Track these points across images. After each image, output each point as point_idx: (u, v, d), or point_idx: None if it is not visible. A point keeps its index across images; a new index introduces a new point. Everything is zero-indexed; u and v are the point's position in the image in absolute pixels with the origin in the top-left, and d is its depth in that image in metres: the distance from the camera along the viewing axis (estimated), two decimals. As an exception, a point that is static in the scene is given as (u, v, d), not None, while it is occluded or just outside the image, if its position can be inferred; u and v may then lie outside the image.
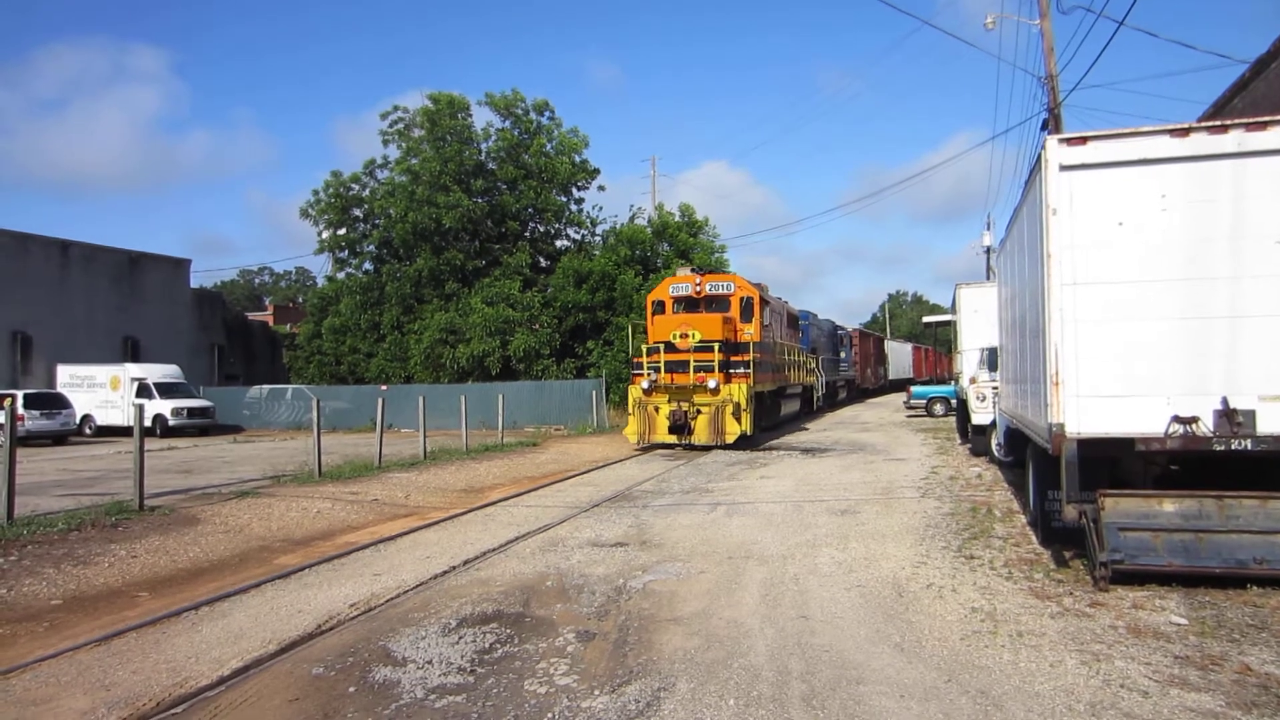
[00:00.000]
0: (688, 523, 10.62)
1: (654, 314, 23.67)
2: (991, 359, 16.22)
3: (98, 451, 25.49)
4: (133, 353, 39.55)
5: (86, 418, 33.12)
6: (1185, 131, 7.29)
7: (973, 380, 17.60)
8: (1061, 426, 7.26)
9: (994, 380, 15.71)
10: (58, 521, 10.71)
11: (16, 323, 36.30)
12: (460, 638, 6.11)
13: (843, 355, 42.92)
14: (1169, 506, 7.13)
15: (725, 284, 23.45)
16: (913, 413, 33.81)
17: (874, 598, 6.95)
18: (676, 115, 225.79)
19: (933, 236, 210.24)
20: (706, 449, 20.61)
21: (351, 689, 5.21)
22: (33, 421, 28.11)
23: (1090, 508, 7.20)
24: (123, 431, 31.12)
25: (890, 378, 60.22)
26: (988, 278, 34.58)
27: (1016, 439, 11.71)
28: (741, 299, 23.04)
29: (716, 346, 20.59)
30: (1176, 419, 7.10)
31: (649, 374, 20.94)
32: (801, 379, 29.20)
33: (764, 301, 23.93)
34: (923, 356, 70.62)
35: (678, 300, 23.21)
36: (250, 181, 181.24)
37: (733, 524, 10.48)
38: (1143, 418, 7.23)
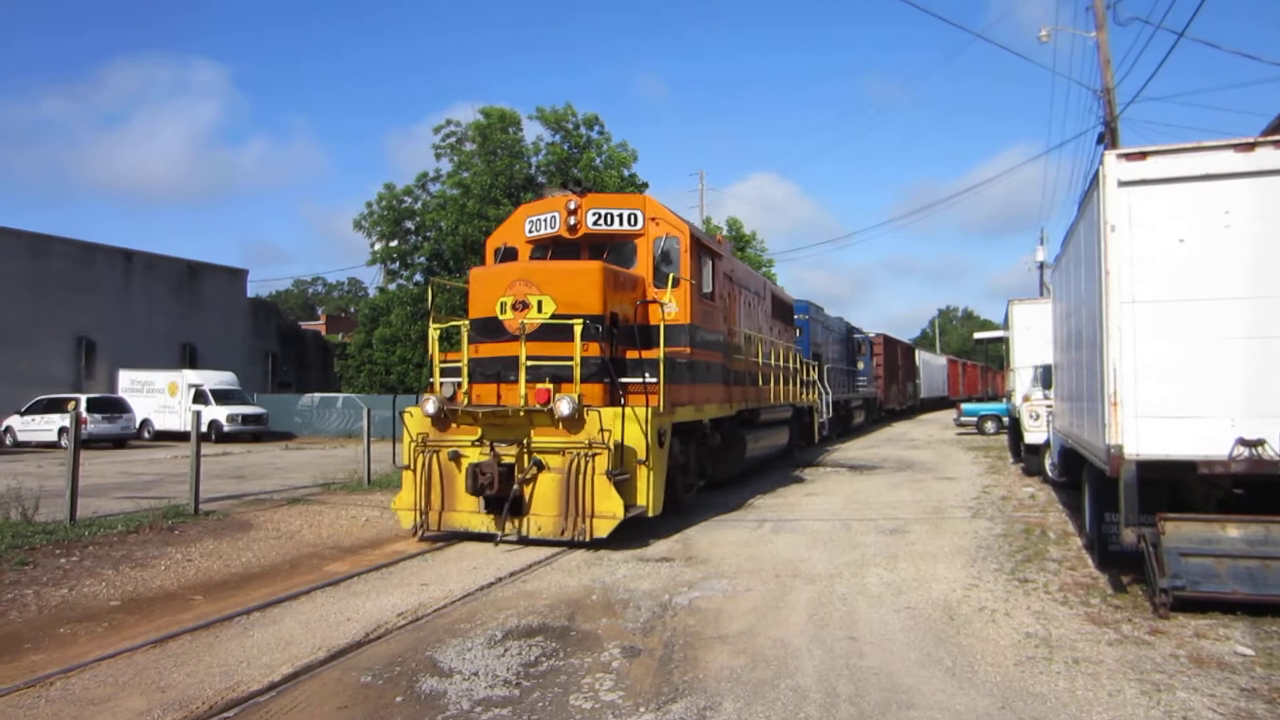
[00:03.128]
0: (733, 539, 10.55)
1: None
2: (1045, 377, 15.90)
3: (156, 455, 26.15)
4: (190, 359, 40.64)
5: (145, 422, 34.05)
6: (1250, 146, 7.10)
7: (1026, 398, 17.27)
8: (1120, 448, 7.07)
9: (1048, 398, 15.39)
10: (117, 524, 11.02)
11: (81, 328, 37.52)
12: (506, 650, 6.13)
13: (860, 366, 33.97)
14: (1233, 531, 6.91)
15: (625, 213, 12.15)
16: (963, 430, 33.24)
17: (924, 620, 6.83)
18: (725, 128, 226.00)
19: (984, 251, 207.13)
20: (554, 546, 9.79)
21: (399, 699, 5.25)
22: (95, 425, 28.97)
23: (1150, 531, 7.01)
24: (179, 436, 31.91)
25: (922, 396, 51.80)
26: (1041, 293, 34.00)
27: (1072, 459, 11.45)
28: (659, 243, 12.11)
29: (582, 327, 9.99)
30: (1241, 441, 6.88)
31: (446, 386, 10.69)
32: (793, 396, 19.63)
33: (705, 252, 12.92)
34: (959, 372, 64.78)
35: (539, 244, 12.51)
36: (305, 192, 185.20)
37: (779, 541, 10.38)
38: (1205, 439, 7.01)
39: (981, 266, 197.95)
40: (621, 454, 9.82)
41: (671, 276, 11.67)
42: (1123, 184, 7.31)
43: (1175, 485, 7.58)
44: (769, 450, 18.01)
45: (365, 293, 67.52)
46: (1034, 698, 5.12)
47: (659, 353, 10.44)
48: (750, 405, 15.77)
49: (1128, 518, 7.04)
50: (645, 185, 39.01)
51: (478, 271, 11.79)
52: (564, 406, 9.68)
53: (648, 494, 10.02)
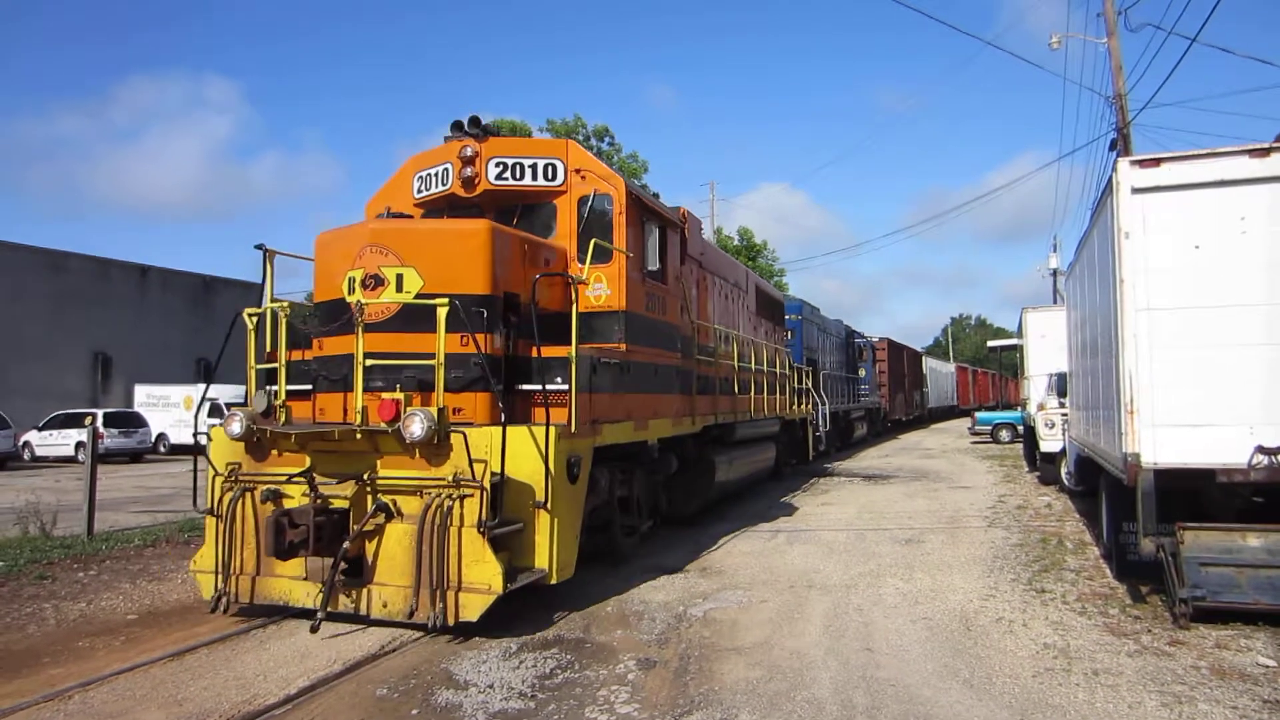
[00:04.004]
0: (747, 550, 10.51)
1: None
2: (1060, 384, 15.82)
3: (171, 469, 26.30)
4: (206, 373, 40.86)
5: (161, 436, 34.23)
6: (1265, 152, 7.07)
7: (1041, 406, 17.17)
8: (1137, 456, 7.02)
9: (1063, 407, 15.30)
10: (134, 538, 11.09)
11: (98, 343, 37.87)
12: (521, 662, 6.13)
13: (862, 374, 31.04)
14: (1254, 541, 6.84)
15: (540, 164, 9.32)
16: (977, 439, 33.06)
17: (941, 631, 6.78)
18: (735, 138, 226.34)
19: (997, 259, 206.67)
20: (409, 629, 6.94)
21: (414, 711, 5.25)
22: (111, 440, 29.15)
23: (1169, 541, 6.95)
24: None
25: (930, 405, 49.07)
26: (1055, 301, 33.82)
27: (1088, 468, 11.36)
28: (586, 203, 9.30)
29: (456, 310, 6.99)
30: (1261, 449, 6.82)
31: (258, 397, 7.93)
32: (782, 407, 16.96)
33: (651, 218, 10.08)
34: (969, 380, 62.61)
35: (430, 207, 9.69)
36: (317, 204, 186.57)
37: (793, 552, 10.34)
38: (1224, 448, 6.96)
39: (994, 274, 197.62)
40: (502, 494, 6.76)
41: (593, 244, 8.49)
42: (1137, 191, 7.28)
43: (1194, 494, 7.50)
44: (749, 473, 14.82)
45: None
46: (1053, 710, 5.08)
47: (566, 349, 7.45)
48: (723, 419, 12.76)
49: (1146, 527, 6.99)
50: (656, 196, 39.04)
51: (324, 236, 8.22)
52: (415, 425, 6.66)
53: (551, 550, 7.01)
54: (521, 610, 7.33)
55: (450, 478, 6.78)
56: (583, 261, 8.64)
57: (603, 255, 8.82)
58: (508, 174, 9.24)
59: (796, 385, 18.72)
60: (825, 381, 23.84)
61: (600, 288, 9.06)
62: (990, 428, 32.40)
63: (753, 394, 14.63)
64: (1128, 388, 7.15)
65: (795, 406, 18.46)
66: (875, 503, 15.00)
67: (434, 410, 6.82)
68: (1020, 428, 25.71)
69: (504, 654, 6.31)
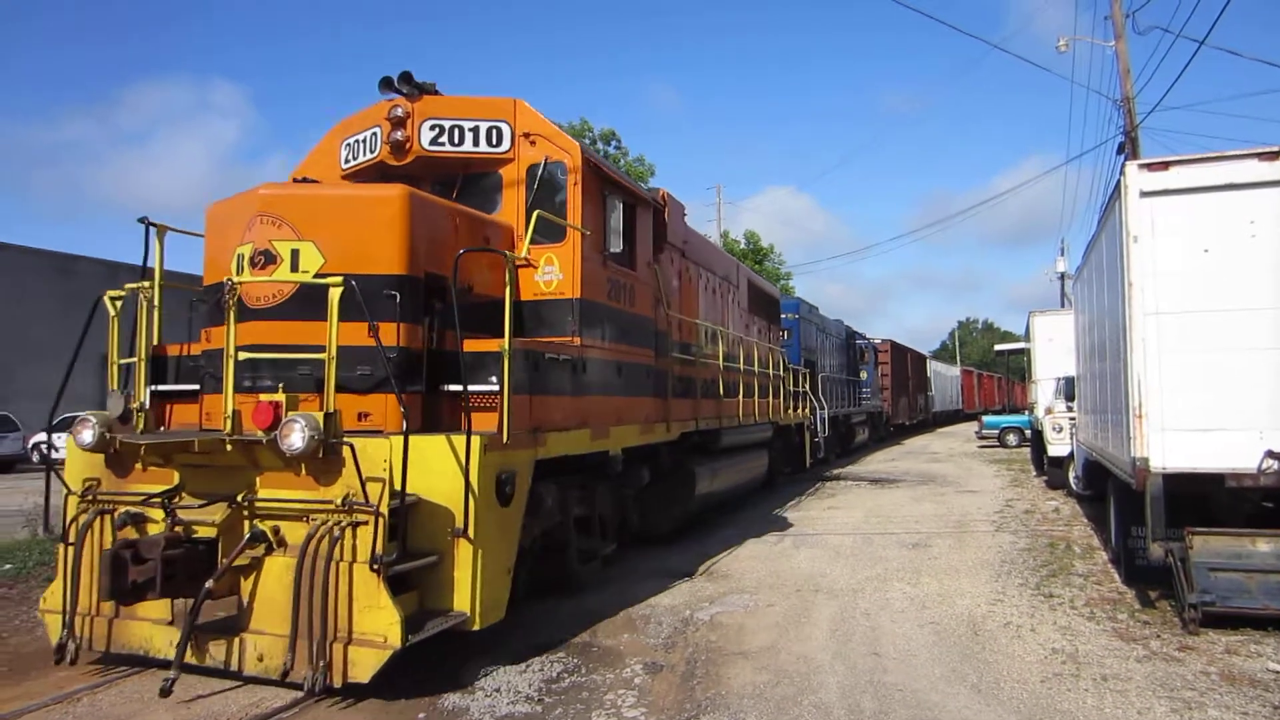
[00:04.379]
0: (753, 553, 10.50)
1: None
2: (1068, 389, 15.76)
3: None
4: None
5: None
6: (1274, 155, 7.05)
7: (1048, 410, 17.13)
8: (1146, 461, 7.00)
9: (1071, 411, 15.25)
10: None
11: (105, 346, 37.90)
12: (528, 666, 6.13)
13: (864, 376, 29.74)
14: (1264, 546, 6.82)
15: (482, 127, 8.04)
16: (984, 443, 32.98)
17: (949, 636, 6.76)
18: (740, 140, 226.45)
19: (1004, 262, 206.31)
20: (290, 688, 5.45)
21: (422, 715, 5.26)
22: None
23: (1178, 546, 6.93)
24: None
25: (935, 409, 47.54)
26: (1062, 304, 33.73)
27: (1096, 472, 11.33)
28: (535, 172, 8.03)
29: (343, 291, 5.71)
30: (1270, 453, 6.79)
31: (113, 400, 6.90)
32: (776, 412, 15.78)
33: (614, 191, 8.69)
34: (975, 383, 61.63)
35: (356, 176, 8.43)
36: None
37: (800, 556, 10.32)
38: (1233, 452, 6.92)
39: (1001, 278, 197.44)
40: (405, 521, 5.54)
41: (536, 216, 7.23)
42: (1145, 194, 7.26)
43: (1203, 499, 7.48)
44: (737, 483, 13.49)
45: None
46: (1061, 715, 5.06)
47: (498, 344, 6.17)
48: (706, 425, 11.48)
49: (1155, 532, 6.96)
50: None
51: (214, 207, 7.00)
52: (295, 435, 5.40)
53: (473, 588, 5.70)
54: (526, 614, 7.31)
55: (339, 500, 5.50)
56: (538, 241, 7.59)
57: (555, 233, 7.71)
58: (445, 138, 7.99)
59: (793, 388, 17.69)
60: (824, 384, 22.59)
61: (551, 271, 7.75)
62: (997, 432, 32.28)
63: (741, 397, 13.32)
64: (1136, 392, 7.12)
65: (791, 410, 17.39)
66: (882, 507, 14.97)
67: (319, 415, 5.50)
68: (1028, 432, 25.62)
69: (511, 657, 6.31)
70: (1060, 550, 10.39)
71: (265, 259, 6.15)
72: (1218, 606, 6.67)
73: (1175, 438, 7.02)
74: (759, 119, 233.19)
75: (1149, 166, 7.40)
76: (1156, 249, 7.20)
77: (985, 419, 34.45)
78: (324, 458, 5.57)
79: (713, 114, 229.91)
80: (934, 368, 49.11)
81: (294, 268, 6.13)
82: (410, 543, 5.61)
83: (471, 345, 6.28)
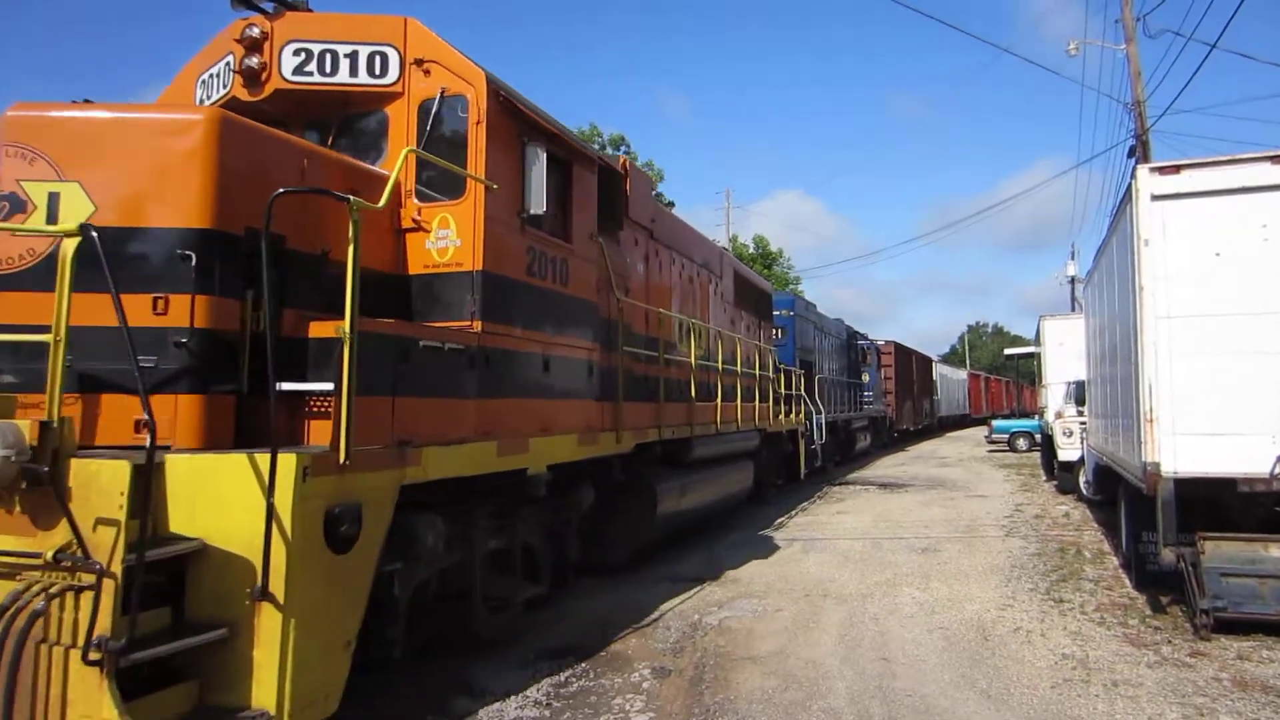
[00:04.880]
0: (762, 558, 10.47)
1: None
2: (1079, 393, 15.70)
3: None
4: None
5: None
6: (1287, 158, 7.00)
7: (1059, 415, 17.06)
8: (1157, 465, 6.96)
9: (1081, 415, 15.19)
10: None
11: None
12: (537, 670, 6.12)
13: (865, 379, 28.20)
14: (1276, 551, 6.78)
15: (361, 53, 6.19)
16: (994, 447, 32.85)
17: (958, 641, 6.73)
18: (749, 144, 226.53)
19: (1014, 266, 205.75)
20: None
21: (429, 718, 5.26)
22: None
23: (1189, 551, 6.88)
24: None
25: (941, 414, 45.80)
26: (1073, 308, 33.59)
27: (1107, 476, 11.27)
28: (428, 108, 6.15)
29: (80, 244, 3.94)
30: (1283, 459, 6.74)
31: None
32: (763, 417, 14.21)
33: (534, 135, 6.68)
34: (982, 387, 60.19)
35: None
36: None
37: (809, 560, 10.30)
38: (1245, 456, 6.87)
39: (1011, 282, 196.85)
40: (125, 585, 3.69)
41: (410, 156, 5.87)
42: (1156, 198, 7.23)
43: (1214, 503, 7.43)
44: (710, 501, 11.48)
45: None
46: (1072, 721, 5.04)
47: (378, 323, 4.97)
48: (673, 434, 9.82)
49: (1166, 537, 6.92)
50: (671, 205, 39.06)
51: None
52: None
53: (280, 676, 4.02)
54: (533, 618, 7.30)
55: (50, 554, 3.75)
56: (426, 199, 6.06)
57: (451, 186, 6.05)
58: (313, 66, 6.22)
59: (785, 391, 16.13)
60: (822, 387, 21.02)
61: (446, 236, 6.00)
62: (1007, 436, 32.15)
63: (720, 401, 11.55)
64: (1147, 396, 7.09)
65: (782, 416, 15.78)
66: (891, 511, 14.92)
67: (24, 424, 3.81)
68: (1038, 436, 25.51)
69: (520, 661, 6.31)
70: (1070, 555, 10.34)
71: (11, 206, 4.55)
72: (1230, 612, 6.63)
73: (1187, 442, 6.98)
74: (766, 122, 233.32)
75: (1160, 170, 7.37)
76: (1168, 253, 7.16)
77: (995, 423, 34.31)
78: (33, 489, 3.84)
79: (721, 118, 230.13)
80: (940, 371, 47.36)
81: (51, 218, 4.50)
82: (192, 609, 4.08)
83: (316, 329, 4.77)
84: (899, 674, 5.93)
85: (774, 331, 17.17)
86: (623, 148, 38.91)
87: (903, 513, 14.69)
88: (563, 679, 5.94)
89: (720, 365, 11.83)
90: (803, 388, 18.09)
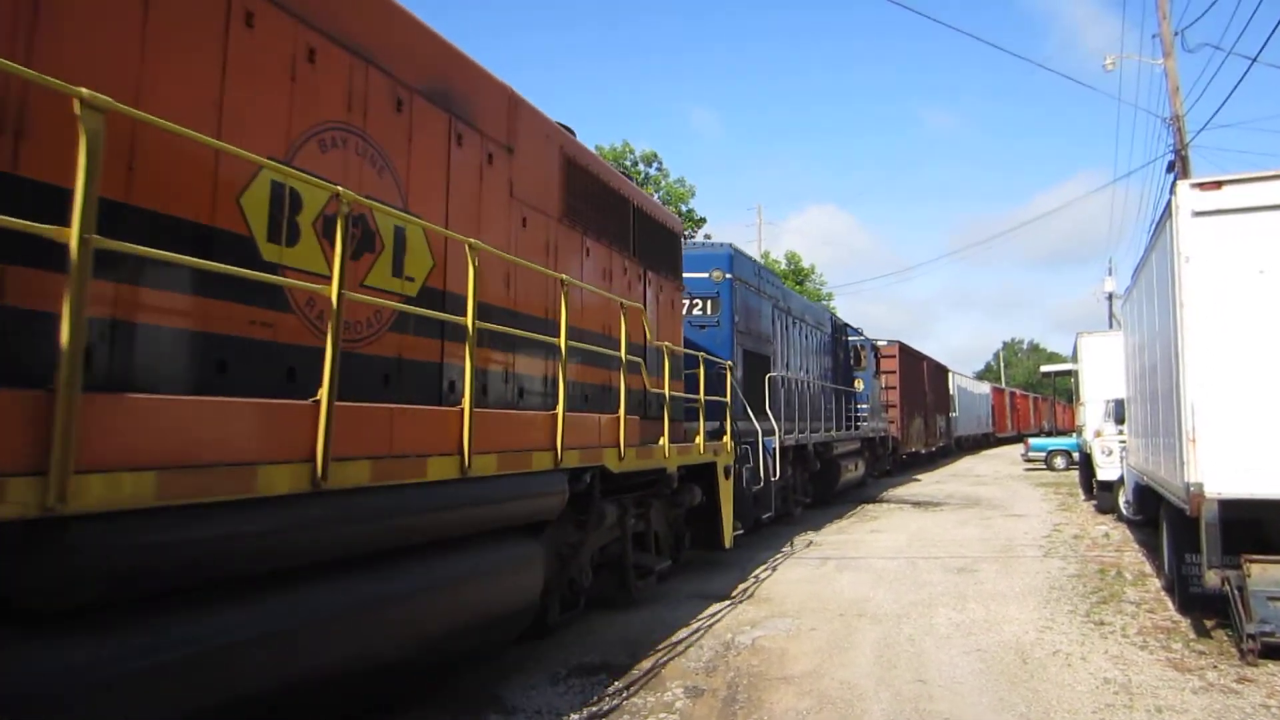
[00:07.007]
0: (795, 577, 10.40)
1: None
2: (1118, 411, 15.44)
3: None
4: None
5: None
6: (1332, 173, 6.88)
7: (1098, 433, 16.79)
8: (1200, 486, 6.82)
9: (1121, 433, 14.93)
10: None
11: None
12: (569, 688, 6.12)
13: (859, 387, 22.09)
14: (1325, 576, 6.59)
15: None
16: (1030, 466, 32.39)
17: (996, 663, 6.63)
18: (781, 160, 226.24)
19: (1049, 282, 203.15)
20: None
21: (463, 735, 5.28)
22: None
23: (1234, 574, 6.73)
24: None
25: (958, 433, 40.34)
26: (1110, 325, 33.12)
27: (1147, 496, 11.06)
28: None
29: None
30: (1331, 480, 6.58)
31: None
32: (599, 438, 6.95)
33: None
34: (1007, 403, 53.46)
35: None
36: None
37: (843, 579, 10.20)
38: (1291, 478, 6.72)
39: (1046, 297, 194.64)
40: None
41: None
42: (1197, 214, 7.12)
43: (1260, 524, 7.26)
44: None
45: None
46: (1115, 747, 4.93)
47: None
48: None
49: (1210, 559, 6.77)
50: (703, 221, 39.08)
51: None
52: None
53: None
54: (566, 634, 7.29)
55: None
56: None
57: None
58: None
59: (708, 396, 9.80)
60: (786, 394, 15.05)
61: None
62: (1044, 454, 31.71)
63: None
64: (1189, 415, 6.96)
65: (666, 441, 8.46)
66: (926, 530, 14.75)
67: None
68: (1076, 455, 25.09)
69: (551, 679, 6.31)
70: (1111, 576, 10.15)
71: None
72: (1278, 637, 6.47)
73: (1230, 462, 6.83)
74: (798, 137, 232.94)
75: (1201, 186, 7.26)
76: (1209, 270, 7.05)
77: (1031, 441, 33.81)
78: None
79: (753, 135, 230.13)
80: (958, 382, 40.86)
81: None
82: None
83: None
84: (936, 696, 5.85)
85: (698, 302, 12.64)
86: (654, 164, 39.05)
87: (939, 532, 14.51)
88: (594, 697, 5.93)
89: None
90: (729, 392, 10.96)
